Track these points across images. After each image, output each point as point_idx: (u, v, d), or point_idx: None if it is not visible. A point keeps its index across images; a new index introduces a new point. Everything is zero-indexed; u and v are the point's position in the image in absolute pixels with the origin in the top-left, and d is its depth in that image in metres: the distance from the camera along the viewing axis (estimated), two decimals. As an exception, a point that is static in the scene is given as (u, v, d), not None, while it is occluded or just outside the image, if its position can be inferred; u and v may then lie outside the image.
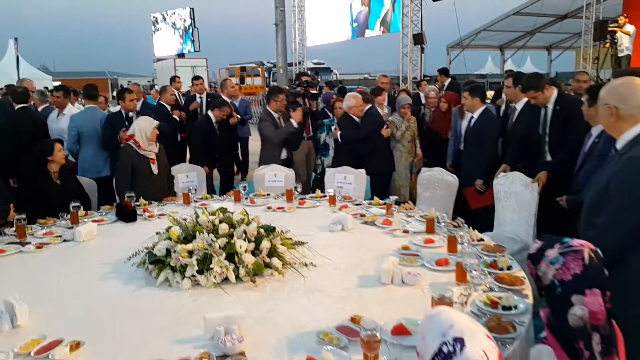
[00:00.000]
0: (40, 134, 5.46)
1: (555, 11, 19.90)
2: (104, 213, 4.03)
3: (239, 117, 7.09)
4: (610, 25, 10.73)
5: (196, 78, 8.04)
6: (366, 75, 33.43)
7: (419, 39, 12.78)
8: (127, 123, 5.41)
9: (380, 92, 6.37)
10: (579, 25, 18.82)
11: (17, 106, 5.66)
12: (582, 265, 1.46)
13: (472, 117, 4.89)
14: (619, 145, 2.16)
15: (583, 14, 15.27)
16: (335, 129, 5.62)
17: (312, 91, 6.56)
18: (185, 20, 24.85)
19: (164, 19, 26.89)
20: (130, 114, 5.64)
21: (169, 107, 6.83)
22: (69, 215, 3.71)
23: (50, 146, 4.22)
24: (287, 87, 7.90)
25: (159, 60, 26.68)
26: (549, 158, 4.28)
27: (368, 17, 16.37)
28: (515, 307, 2.23)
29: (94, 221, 3.73)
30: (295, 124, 5.39)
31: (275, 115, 5.41)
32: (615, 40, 10.46)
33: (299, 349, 1.97)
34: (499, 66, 26.90)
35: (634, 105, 2.09)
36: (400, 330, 2.03)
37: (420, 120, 6.26)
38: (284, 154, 5.56)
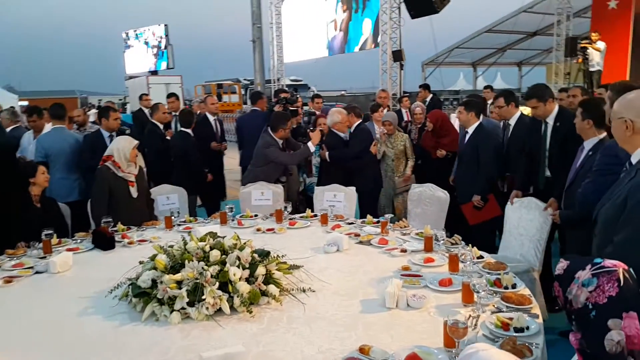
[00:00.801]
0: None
1: (526, 28, 20.41)
2: (79, 240, 3.78)
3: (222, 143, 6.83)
4: (582, 42, 10.99)
5: (170, 96, 7.74)
6: (343, 92, 33.60)
7: (398, 56, 12.83)
8: (107, 144, 5.10)
9: (377, 108, 6.27)
10: (548, 41, 19.36)
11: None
12: (617, 287, 1.35)
13: (466, 132, 4.80)
14: (635, 159, 2.09)
15: (554, 31, 15.65)
16: (323, 148, 5.44)
17: (291, 108, 6.44)
18: (159, 37, 24.59)
19: (136, 36, 26.57)
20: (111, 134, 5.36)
21: (161, 126, 6.44)
22: (41, 244, 3.46)
23: (34, 168, 4.03)
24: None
25: (130, 77, 26.30)
26: (547, 174, 4.19)
27: (345, 42, 16.39)
28: (528, 328, 2.12)
29: (69, 250, 3.49)
30: (312, 148, 5.12)
31: (280, 141, 5.12)
32: (587, 56, 10.68)
33: (306, 387, 1.80)
34: (471, 83, 27.40)
35: None
36: (414, 361, 1.88)
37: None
38: (283, 177, 5.35)
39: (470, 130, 4.74)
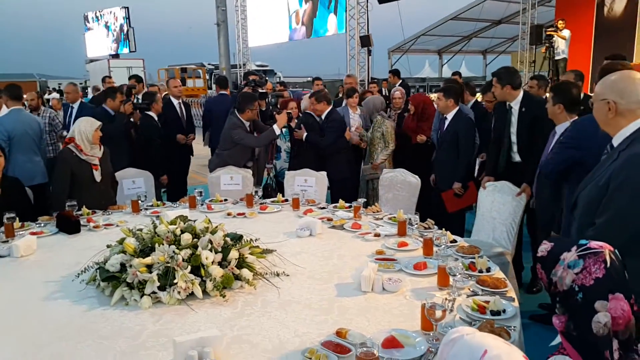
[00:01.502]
0: None
1: (491, 16, 20.67)
2: (42, 224, 3.63)
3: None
4: (548, 30, 11.18)
5: (131, 78, 7.43)
6: (309, 78, 33.34)
7: (366, 41, 12.80)
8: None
9: (353, 93, 6.11)
10: (512, 30, 19.69)
11: None
12: (604, 268, 1.35)
13: (445, 118, 4.78)
14: (616, 141, 2.09)
15: (519, 19, 15.89)
16: (301, 128, 5.32)
17: (260, 90, 6.31)
18: (119, 19, 23.84)
19: (97, 18, 25.69)
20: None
21: (155, 118, 5.86)
22: (2, 228, 3.31)
23: None
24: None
25: (91, 61, 25.45)
26: (518, 159, 4.22)
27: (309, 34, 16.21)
28: (504, 311, 2.14)
29: (32, 233, 3.35)
30: (278, 131, 5.00)
31: (247, 123, 4.99)
32: (552, 44, 10.88)
33: (284, 371, 1.77)
34: (437, 70, 27.67)
35: (634, 100, 2.03)
36: (391, 344, 1.88)
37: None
38: (250, 162, 5.24)
39: (450, 116, 4.72)
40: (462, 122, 4.68)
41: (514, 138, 4.21)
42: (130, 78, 7.54)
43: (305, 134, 5.24)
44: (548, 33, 11.07)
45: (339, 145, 5.23)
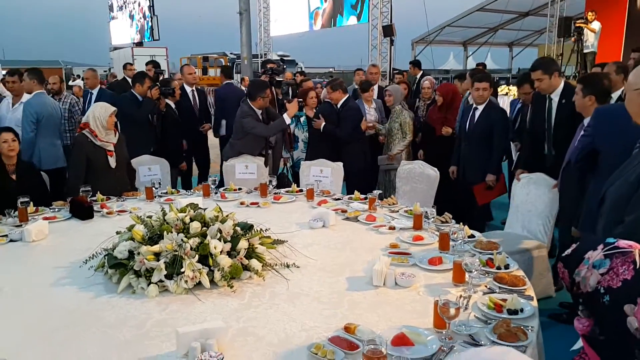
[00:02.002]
0: None
1: (518, 8, 20.19)
2: (56, 209, 3.64)
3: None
4: (578, 22, 10.83)
5: (148, 63, 7.18)
6: (331, 69, 33.18)
7: (388, 31, 12.57)
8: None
9: (368, 87, 5.93)
10: (540, 22, 19.22)
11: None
12: (632, 269, 1.24)
13: (476, 109, 4.62)
14: None
15: (547, 11, 15.48)
16: (319, 118, 5.22)
17: (277, 78, 6.24)
18: (143, 8, 23.96)
19: (121, 6, 25.88)
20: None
21: (173, 105, 5.81)
22: (16, 212, 3.31)
23: None
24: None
25: (115, 49, 25.68)
26: (552, 152, 4.04)
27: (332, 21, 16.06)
28: (522, 310, 2.04)
29: (45, 218, 3.35)
30: (288, 120, 4.90)
31: (259, 111, 4.90)
32: (581, 37, 10.55)
33: (288, 366, 1.71)
34: (461, 62, 27.21)
35: None
36: (401, 341, 1.80)
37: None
38: (264, 151, 5.16)
39: (481, 107, 4.57)
40: (496, 113, 4.55)
41: (551, 130, 4.03)
42: (147, 64, 7.47)
43: (323, 123, 5.14)
44: (577, 25, 10.73)
45: (355, 136, 5.13)
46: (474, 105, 4.66)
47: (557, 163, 3.94)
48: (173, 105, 5.79)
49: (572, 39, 10.87)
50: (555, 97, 3.98)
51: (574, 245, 1.37)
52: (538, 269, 3.70)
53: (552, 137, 4.04)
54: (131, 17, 25.03)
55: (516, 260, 3.26)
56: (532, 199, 3.86)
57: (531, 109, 4.30)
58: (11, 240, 3.00)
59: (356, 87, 6.90)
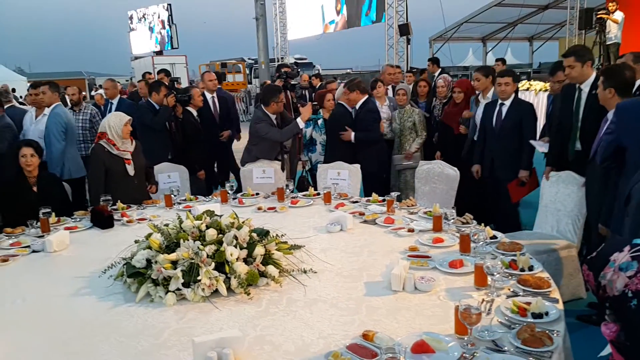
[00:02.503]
0: None
1: (537, 1, 19.83)
2: (78, 219, 3.68)
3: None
4: (599, 13, 10.56)
5: (159, 72, 7.22)
6: (348, 70, 33.13)
7: (404, 30, 12.49)
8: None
9: (376, 84, 5.83)
10: (560, 15, 18.84)
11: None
12: None
13: (503, 104, 4.50)
14: None
15: (567, 3, 15.16)
16: (347, 130, 5.07)
17: (291, 82, 6.22)
18: (162, 16, 24.28)
19: (141, 17, 26.28)
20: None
21: (194, 113, 5.81)
22: (39, 223, 3.36)
23: (17, 149, 3.81)
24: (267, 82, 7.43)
25: (136, 58, 26.09)
26: (578, 146, 3.92)
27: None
28: (547, 313, 1.97)
29: (67, 228, 3.39)
30: (302, 124, 4.86)
31: (273, 116, 4.87)
32: (604, 28, 10.28)
33: (306, 376, 1.68)
34: (480, 58, 26.86)
35: None
36: (422, 348, 1.75)
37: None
38: (280, 155, 5.15)
39: (508, 102, 4.46)
40: (525, 106, 4.46)
41: (578, 123, 3.89)
42: (159, 72, 7.52)
43: (352, 134, 5.03)
44: (599, 16, 10.45)
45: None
46: (499, 101, 4.54)
47: (584, 159, 3.82)
48: (195, 113, 5.81)
49: (594, 30, 10.59)
50: (586, 87, 3.83)
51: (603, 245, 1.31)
52: (568, 270, 3.61)
53: (579, 131, 3.90)
54: (150, 28, 25.38)
55: (545, 261, 3.20)
56: (561, 198, 3.78)
57: (560, 100, 4.16)
58: (34, 251, 3.03)
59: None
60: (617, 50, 10.23)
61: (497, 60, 9.07)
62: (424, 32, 20.99)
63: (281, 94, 4.92)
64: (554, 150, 4.13)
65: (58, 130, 5.09)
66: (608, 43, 10.35)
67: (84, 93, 6.64)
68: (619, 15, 10.25)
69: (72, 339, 2.00)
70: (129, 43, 27.88)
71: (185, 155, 5.47)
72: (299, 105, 5.36)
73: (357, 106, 5.14)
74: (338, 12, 16.61)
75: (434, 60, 8.74)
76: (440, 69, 8.54)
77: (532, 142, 4.39)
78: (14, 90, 10.02)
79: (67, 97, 6.20)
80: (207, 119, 6.22)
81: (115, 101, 6.53)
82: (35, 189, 3.85)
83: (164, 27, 24.26)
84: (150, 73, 10.44)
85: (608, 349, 1.31)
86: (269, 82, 10.91)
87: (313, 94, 8.23)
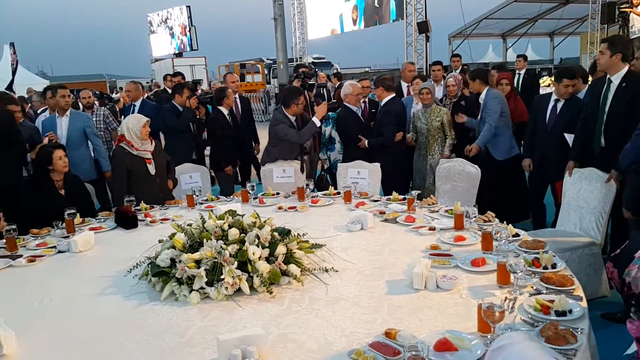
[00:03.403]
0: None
1: (557, -4, 19.56)
2: (102, 220, 3.75)
3: None
4: (622, 6, 10.37)
5: (175, 75, 7.19)
6: (367, 69, 33.02)
7: (424, 27, 12.39)
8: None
9: (412, 80, 5.76)
10: (581, 9, 18.52)
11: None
12: None
13: (558, 100, 4.39)
14: None
15: (589, -3, 14.88)
16: (361, 139, 5.06)
17: (309, 82, 6.23)
18: (182, 21, 24.57)
19: (161, 20, 26.62)
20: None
21: (226, 112, 5.83)
22: (64, 224, 3.43)
23: (49, 154, 3.86)
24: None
25: (156, 60, 26.45)
26: (603, 143, 3.86)
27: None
28: (570, 311, 1.95)
29: (91, 229, 3.46)
30: (318, 123, 4.83)
31: (292, 118, 4.85)
32: (627, 22, 10.09)
33: (329, 373, 1.69)
34: (501, 55, 26.56)
35: None
36: (444, 346, 1.75)
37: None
38: (299, 156, 5.15)
39: (562, 100, 4.36)
40: (579, 104, 4.29)
41: (604, 116, 3.82)
42: (174, 75, 7.55)
43: (366, 142, 5.02)
44: (622, 10, 10.27)
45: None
46: (553, 96, 4.43)
47: (607, 156, 3.75)
48: (226, 112, 5.86)
49: (617, 25, 10.40)
50: (616, 80, 3.76)
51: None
52: (591, 268, 3.56)
53: (605, 125, 3.82)
54: (171, 34, 25.68)
55: (567, 259, 3.16)
56: (584, 195, 3.72)
57: (589, 93, 4.09)
58: (59, 252, 3.11)
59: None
60: (641, 44, 10.04)
61: (518, 56, 8.93)
62: (443, 29, 20.84)
63: (301, 96, 4.90)
64: (578, 144, 4.06)
65: (94, 132, 5.36)
66: (632, 37, 10.15)
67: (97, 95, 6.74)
68: (642, 8, 10.06)
69: (99, 337, 2.04)
70: (149, 46, 28.28)
71: (212, 153, 5.56)
72: (315, 103, 5.35)
73: (382, 103, 5.15)
74: (355, 22, 16.63)
75: (458, 56, 8.61)
76: (461, 66, 8.46)
77: (566, 135, 4.30)
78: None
79: (79, 100, 6.32)
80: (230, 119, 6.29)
81: (138, 103, 6.62)
82: (62, 192, 3.92)
83: (183, 33, 24.52)
84: (171, 75, 10.57)
85: (634, 347, 1.30)
86: (287, 83, 10.96)
87: (332, 93, 8.25)
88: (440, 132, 5.19)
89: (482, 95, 4.91)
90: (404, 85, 6.69)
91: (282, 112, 4.84)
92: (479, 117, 5.06)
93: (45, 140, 4.64)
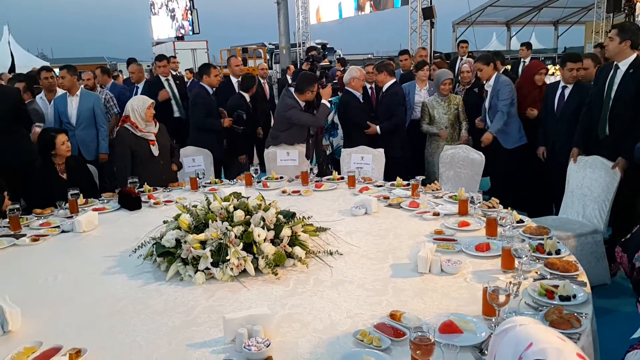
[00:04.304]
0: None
1: (563, -16, 19.37)
2: (105, 201, 3.75)
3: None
4: (628, -5, 10.28)
5: (159, 58, 6.58)
6: (370, 55, 32.80)
7: (429, 13, 12.26)
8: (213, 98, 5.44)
9: (423, 65, 5.67)
10: (587, -2, 18.32)
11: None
12: None
13: (565, 87, 4.39)
14: None
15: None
16: (370, 126, 5.05)
17: (318, 65, 6.21)
18: (184, 1, 24.33)
19: (162, 5, 26.37)
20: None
21: (247, 98, 5.90)
22: (67, 204, 3.44)
23: (52, 139, 3.83)
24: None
25: (157, 43, 26.24)
26: (607, 130, 3.83)
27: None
28: (575, 296, 1.96)
29: (95, 209, 3.46)
30: (328, 104, 4.86)
31: (302, 103, 4.82)
32: (633, 12, 10.00)
33: (335, 352, 1.70)
34: (504, 43, 26.36)
35: None
36: (450, 329, 1.76)
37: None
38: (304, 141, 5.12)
39: (570, 86, 4.36)
40: (586, 90, 4.26)
41: (609, 103, 3.79)
42: (156, 59, 7.08)
43: (377, 127, 5.02)
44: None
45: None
46: (561, 83, 4.42)
47: (612, 143, 3.74)
48: (248, 99, 5.84)
49: (623, 14, 10.31)
50: (623, 66, 3.74)
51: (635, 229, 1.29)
52: (593, 255, 3.57)
53: (609, 112, 3.80)
54: (172, 16, 25.41)
55: (570, 246, 3.16)
56: (588, 183, 3.72)
57: (595, 81, 4.05)
58: (63, 231, 3.11)
59: (402, 72, 6.76)
60: (647, 33, 9.94)
61: (522, 45, 8.86)
62: (448, 16, 20.63)
63: (316, 83, 4.88)
64: (582, 131, 4.04)
65: (104, 111, 5.38)
66: (638, 26, 10.06)
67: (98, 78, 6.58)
68: (649, -2, 9.96)
69: (105, 315, 2.05)
70: (150, 28, 28.04)
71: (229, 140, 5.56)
72: (319, 86, 5.31)
73: (384, 89, 5.13)
74: (362, 7, 16.45)
75: (465, 42, 8.49)
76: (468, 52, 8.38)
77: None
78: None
79: (82, 82, 6.25)
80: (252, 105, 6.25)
81: (141, 85, 6.57)
82: (64, 176, 3.91)
83: (185, 17, 24.27)
84: (174, 57, 10.48)
85: (640, 332, 1.31)
86: (292, 67, 10.88)
87: (335, 76, 8.21)
88: (457, 119, 5.20)
89: (491, 82, 4.84)
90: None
91: (292, 97, 4.80)
92: (486, 103, 5.00)
93: (37, 130, 4.58)
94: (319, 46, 15.40)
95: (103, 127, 5.33)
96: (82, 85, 6.12)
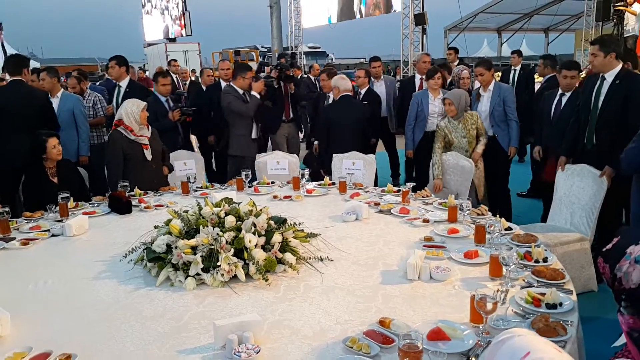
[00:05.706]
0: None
1: (554, -8, 19.56)
2: (95, 204, 3.75)
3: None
4: (617, 5, 10.39)
5: (163, 75, 5.98)
6: (362, 60, 32.91)
7: (420, 19, 12.35)
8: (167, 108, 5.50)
9: (434, 73, 5.26)
10: (577, 6, 18.54)
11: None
12: None
13: (562, 95, 4.49)
14: None
15: (585, -6, 14.93)
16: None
17: (286, 74, 6.25)
18: (176, 3, 24.26)
19: (154, 5, 26.28)
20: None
21: (162, 98, 5.62)
22: (57, 208, 3.42)
23: (43, 142, 3.81)
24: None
25: (149, 45, 26.14)
26: (594, 140, 3.89)
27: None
28: (561, 304, 2.00)
29: (85, 213, 3.46)
30: (257, 96, 5.33)
31: (240, 91, 5.28)
32: (621, 20, 10.12)
33: (324, 359, 1.72)
34: (495, 49, 26.59)
35: None
36: (437, 336, 1.78)
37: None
38: (254, 133, 5.40)
39: (568, 94, 4.44)
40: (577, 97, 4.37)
41: (596, 113, 3.86)
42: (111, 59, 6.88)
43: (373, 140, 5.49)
44: (617, 8, 10.28)
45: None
46: (559, 91, 4.52)
47: (599, 152, 3.80)
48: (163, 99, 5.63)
49: (612, 22, 10.43)
50: (610, 77, 3.81)
51: (614, 240, 1.32)
52: (580, 263, 3.62)
53: (596, 123, 3.86)
54: (163, 14, 25.32)
55: (557, 253, 3.20)
56: (576, 191, 3.77)
57: (583, 92, 4.13)
58: (53, 235, 3.10)
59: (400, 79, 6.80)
60: (635, 42, 10.06)
61: (513, 52, 8.94)
62: (439, 22, 20.75)
63: (250, 71, 5.42)
64: (570, 139, 4.11)
65: (84, 113, 5.36)
66: (625, 35, 10.18)
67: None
68: (637, 7, 10.06)
69: (95, 320, 2.05)
70: (142, 30, 27.93)
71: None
72: (253, 81, 5.49)
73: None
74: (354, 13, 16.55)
75: (455, 50, 8.56)
76: (458, 59, 8.45)
77: None
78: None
79: (68, 88, 6.20)
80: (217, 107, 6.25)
81: (123, 84, 5.91)
82: (55, 180, 3.89)
83: (178, 19, 24.18)
84: (175, 60, 10.46)
85: (622, 339, 1.34)
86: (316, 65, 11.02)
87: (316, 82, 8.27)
88: (475, 138, 4.62)
89: (490, 87, 4.84)
90: (417, 77, 6.41)
91: (230, 86, 5.38)
92: (484, 108, 4.91)
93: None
94: (307, 56, 15.47)
95: (82, 129, 5.30)
96: (72, 92, 6.08)
